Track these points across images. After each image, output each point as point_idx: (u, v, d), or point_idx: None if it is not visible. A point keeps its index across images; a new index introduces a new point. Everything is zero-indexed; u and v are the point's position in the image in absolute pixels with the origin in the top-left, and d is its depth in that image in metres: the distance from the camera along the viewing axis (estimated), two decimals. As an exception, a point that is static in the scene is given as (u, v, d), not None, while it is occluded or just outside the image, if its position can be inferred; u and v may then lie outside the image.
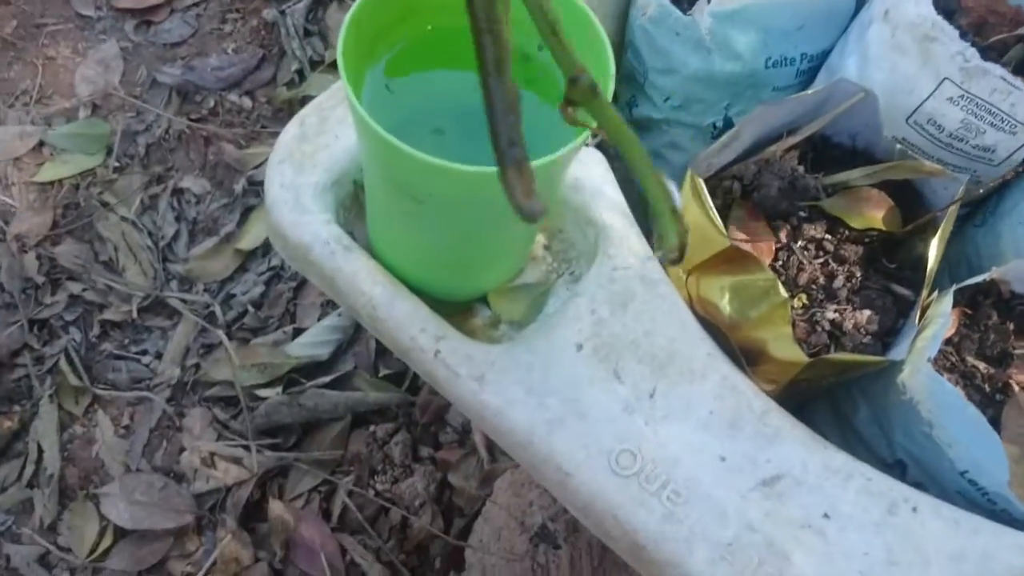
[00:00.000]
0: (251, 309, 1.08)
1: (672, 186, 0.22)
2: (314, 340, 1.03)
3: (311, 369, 1.03)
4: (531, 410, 0.59)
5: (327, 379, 1.01)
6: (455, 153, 0.63)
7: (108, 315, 1.10)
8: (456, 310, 0.68)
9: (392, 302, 0.63)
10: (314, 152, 0.68)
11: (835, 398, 0.75)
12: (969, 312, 0.66)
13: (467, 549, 0.94)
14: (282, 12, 1.30)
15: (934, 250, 0.62)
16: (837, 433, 0.74)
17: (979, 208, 0.77)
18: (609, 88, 0.51)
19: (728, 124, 0.82)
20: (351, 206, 0.70)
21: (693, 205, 0.63)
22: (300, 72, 1.28)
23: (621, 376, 0.60)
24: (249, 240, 1.14)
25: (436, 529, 0.96)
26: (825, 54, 0.79)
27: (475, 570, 0.94)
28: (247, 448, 0.98)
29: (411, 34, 0.56)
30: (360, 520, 0.97)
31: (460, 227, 0.59)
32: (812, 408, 0.79)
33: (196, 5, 1.34)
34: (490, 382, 0.59)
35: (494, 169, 0.49)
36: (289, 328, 1.06)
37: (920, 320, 0.63)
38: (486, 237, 0.60)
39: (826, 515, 0.56)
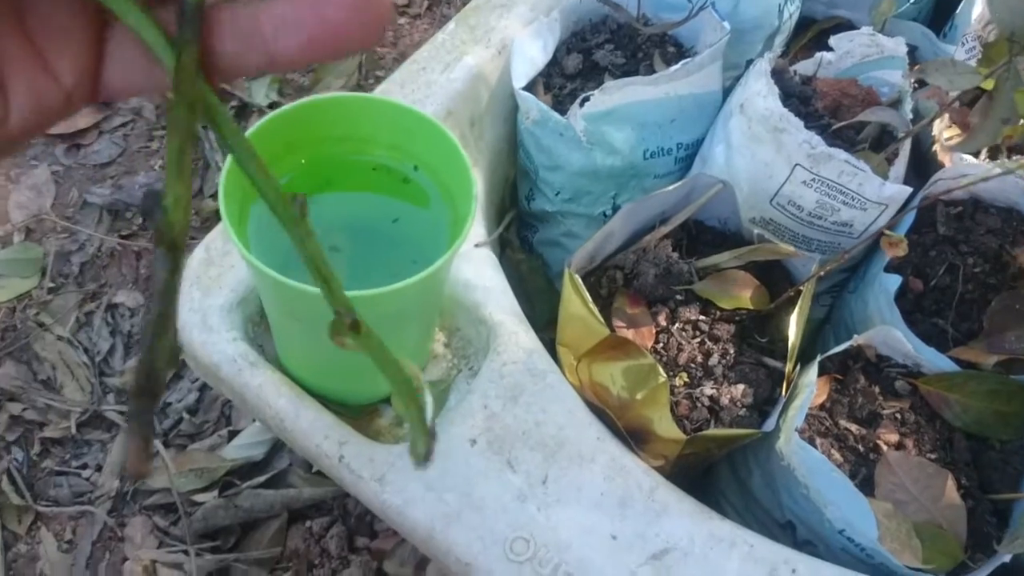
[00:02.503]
0: (187, 416, 1.11)
1: (428, 400, 0.25)
2: (249, 441, 1.06)
3: (247, 470, 1.05)
4: (430, 506, 0.62)
5: (262, 478, 1.03)
6: (351, 269, 0.68)
7: (48, 432, 1.12)
8: (362, 411, 0.71)
9: (297, 412, 0.66)
10: (220, 275, 0.72)
11: (734, 464, 0.78)
12: (840, 378, 0.70)
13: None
14: (204, 127, 1.34)
15: (793, 325, 0.66)
16: (739, 497, 0.78)
17: (852, 275, 0.82)
18: (472, 208, 0.55)
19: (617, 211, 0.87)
20: (260, 321, 0.74)
21: (575, 299, 0.67)
22: (227, 181, 1.31)
23: (514, 466, 0.63)
24: (184, 348, 1.16)
25: (376, 619, 0.98)
26: (699, 141, 0.84)
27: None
28: (187, 553, 1.00)
29: (292, 168, 0.60)
30: (303, 616, 0.99)
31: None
32: (716, 473, 0.82)
33: (123, 125, 1.38)
34: (391, 482, 0.63)
35: (369, 291, 0.53)
36: (224, 431, 1.08)
37: (789, 390, 0.67)
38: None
39: (711, 583, 0.60)
